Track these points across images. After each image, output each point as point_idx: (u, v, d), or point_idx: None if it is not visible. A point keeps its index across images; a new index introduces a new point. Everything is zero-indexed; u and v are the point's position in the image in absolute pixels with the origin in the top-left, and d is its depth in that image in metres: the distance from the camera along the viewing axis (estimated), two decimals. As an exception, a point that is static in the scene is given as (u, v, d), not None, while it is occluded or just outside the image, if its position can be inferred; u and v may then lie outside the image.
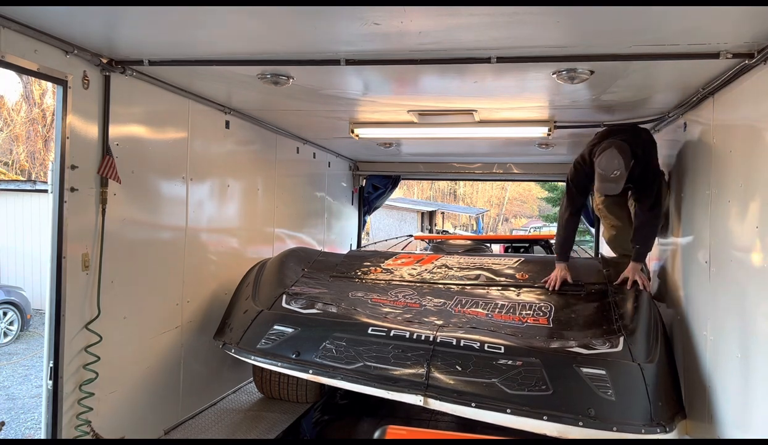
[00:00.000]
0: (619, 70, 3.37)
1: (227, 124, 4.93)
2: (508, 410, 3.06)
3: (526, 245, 10.21)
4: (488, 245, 10.22)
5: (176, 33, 3.04)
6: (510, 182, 43.45)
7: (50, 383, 3.24)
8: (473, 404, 3.12)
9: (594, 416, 2.99)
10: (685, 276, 3.89)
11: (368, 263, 5.27)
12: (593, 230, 8.43)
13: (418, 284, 4.73)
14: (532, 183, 35.31)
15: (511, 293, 4.46)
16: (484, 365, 3.27)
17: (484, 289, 4.60)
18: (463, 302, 4.27)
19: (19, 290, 11.69)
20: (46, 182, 11.83)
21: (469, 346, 3.39)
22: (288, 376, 4.59)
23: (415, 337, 3.50)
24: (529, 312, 4.03)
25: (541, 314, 4.00)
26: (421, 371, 3.29)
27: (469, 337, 3.49)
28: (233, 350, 3.85)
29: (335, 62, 3.30)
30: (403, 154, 7.70)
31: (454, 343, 3.43)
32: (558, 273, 4.39)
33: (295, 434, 4.51)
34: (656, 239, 4.35)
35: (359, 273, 5.04)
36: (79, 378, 3.40)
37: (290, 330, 3.76)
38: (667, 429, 3.02)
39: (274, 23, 2.81)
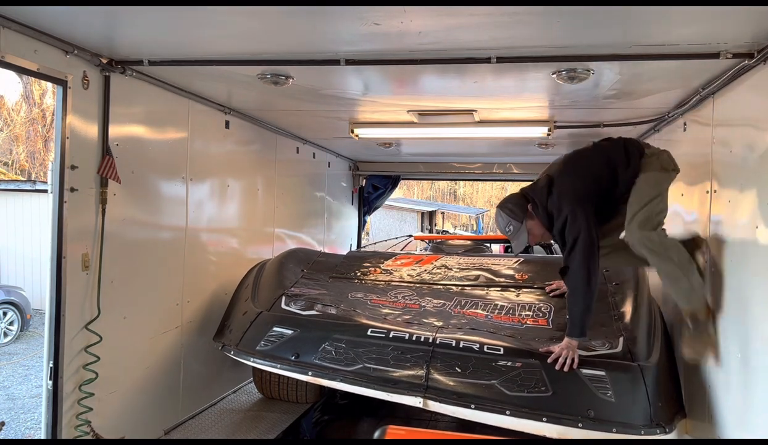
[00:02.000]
0: (620, 70, 3.37)
1: (227, 124, 4.93)
2: (508, 412, 3.06)
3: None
4: (488, 245, 10.22)
5: (176, 33, 3.04)
6: (510, 182, 43.38)
7: (50, 383, 3.24)
8: (473, 406, 3.12)
9: (593, 417, 2.99)
10: (685, 276, 3.88)
11: (368, 264, 5.27)
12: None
13: (417, 285, 4.72)
14: (533, 183, 35.21)
15: (511, 294, 4.45)
16: (483, 366, 3.26)
17: (483, 290, 4.59)
18: (463, 302, 4.27)
19: (19, 290, 11.69)
20: (46, 182, 11.82)
21: (469, 347, 3.38)
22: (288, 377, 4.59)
23: (414, 338, 3.50)
24: (528, 313, 4.02)
25: (541, 315, 4.00)
26: (421, 372, 3.29)
27: (469, 338, 3.49)
28: (233, 352, 3.84)
29: (335, 62, 3.30)
30: (403, 154, 7.70)
31: (454, 344, 3.42)
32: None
33: (295, 434, 4.51)
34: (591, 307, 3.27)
35: (359, 274, 5.04)
36: (79, 378, 3.39)
37: (290, 332, 3.76)
38: (667, 430, 3.01)
39: (274, 23, 2.81)
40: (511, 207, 3.47)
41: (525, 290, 4.51)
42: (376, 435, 2.06)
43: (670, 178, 3.41)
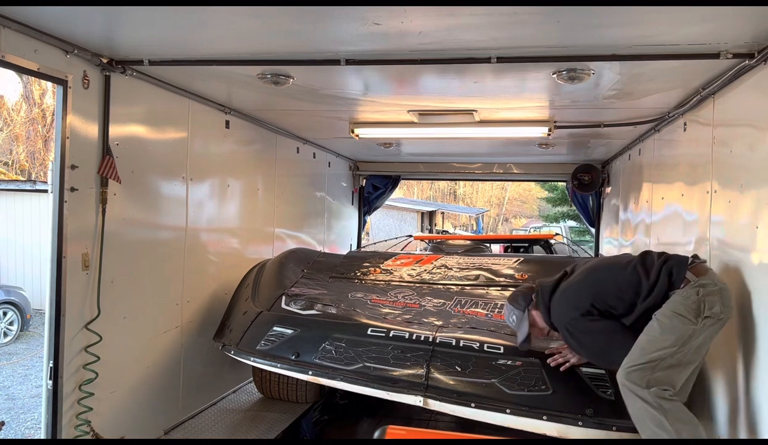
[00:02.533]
0: (620, 70, 3.37)
1: (227, 124, 4.93)
2: (508, 411, 3.07)
3: (526, 244, 10.21)
4: (488, 245, 10.22)
5: (176, 33, 3.04)
6: (510, 182, 43.41)
7: (50, 383, 3.24)
8: (473, 405, 3.13)
9: (593, 415, 2.99)
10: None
11: (368, 264, 5.27)
12: (593, 230, 8.44)
13: (417, 285, 4.73)
14: (532, 183, 35.28)
15: (511, 293, 4.45)
16: (483, 365, 3.27)
17: (483, 289, 4.60)
18: (463, 302, 4.27)
19: (19, 290, 11.67)
20: (46, 182, 11.83)
21: (469, 346, 3.39)
22: (288, 376, 4.59)
23: (414, 337, 3.50)
24: (529, 312, 4.02)
25: (541, 314, 3.99)
26: (421, 371, 3.29)
27: (469, 337, 3.49)
28: (233, 352, 3.84)
29: (335, 62, 3.30)
30: (403, 154, 7.70)
31: (454, 343, 3.43)
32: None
33: (295, 434, 4.51)
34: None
35: (359, 274, 5.04)
36: (79, 378, 3.40)
37: (290, 331, 3.76)
38: (667, 429, 3.01)
39: (275, 23, 2.81)
40: (516, 296, 3.33)
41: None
42: (376, 435, 2.06)
43: (699, 325, 2.67)
